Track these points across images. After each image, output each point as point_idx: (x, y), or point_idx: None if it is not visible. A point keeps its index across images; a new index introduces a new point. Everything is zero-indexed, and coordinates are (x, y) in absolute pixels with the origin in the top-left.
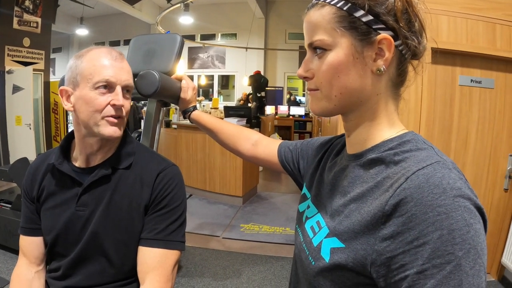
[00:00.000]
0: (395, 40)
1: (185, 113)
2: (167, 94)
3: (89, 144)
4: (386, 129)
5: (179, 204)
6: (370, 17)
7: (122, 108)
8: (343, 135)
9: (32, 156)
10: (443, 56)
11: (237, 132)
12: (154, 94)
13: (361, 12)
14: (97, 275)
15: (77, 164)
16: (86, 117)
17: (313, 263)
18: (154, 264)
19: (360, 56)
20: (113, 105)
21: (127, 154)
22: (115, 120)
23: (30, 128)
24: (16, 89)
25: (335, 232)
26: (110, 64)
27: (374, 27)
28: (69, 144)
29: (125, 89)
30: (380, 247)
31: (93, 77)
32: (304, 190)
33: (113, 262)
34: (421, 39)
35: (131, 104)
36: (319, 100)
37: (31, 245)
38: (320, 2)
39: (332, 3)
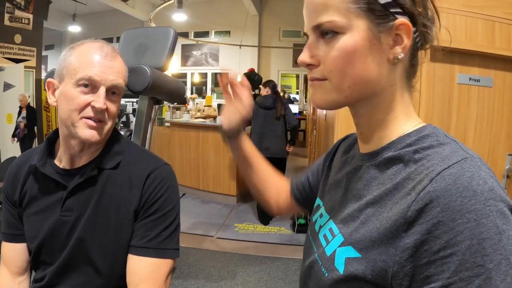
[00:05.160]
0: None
1: (233, 133)
2: (160, 91)
3: (71, 145)
4: (402, 123)
5: (172, 208)
6: (379, 7)
7: (104, 111)
8: (347, 136)
9: None
10: (441, 53)
11: (270, 177)
12: (145, 91)
13: None
14: (84, 285)
15: (61, 165)
16: (65, 115)
17: (326, 274)
18: (145, 275)
19: (377, 42)
20: (93, 107)
21: (114, 153)
22: (94, 124)
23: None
24: (7, 86)
25: (350, 240)
26: (97, 61)
27: (391, 10)
28: (54, 143)
29: (111, 90)
30: (402, 258)
31: (77, 72)
32: (318, 201)
33: (100, 271)
34: (433, 27)
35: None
36: (327, 91)
37: (13, 253)
38: None
39: None
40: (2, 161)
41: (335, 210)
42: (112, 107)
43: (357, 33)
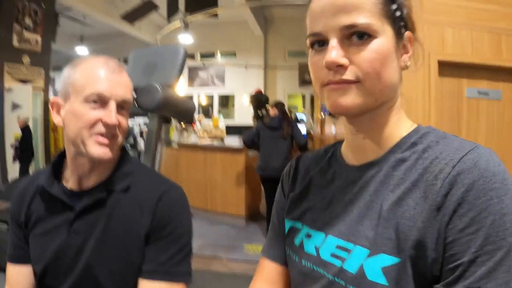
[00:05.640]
0: None
1: None
2: (170, 109)
3: (80, 164)
4: (403, 126)
5: (183, 230)
6: (400, 13)
7: (116, 127)
8: (300, 158)
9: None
10: (449, 68)
11: None
12: (157, 108)
13: (395, 6)
14: None
15: (69, 186)
16: (73, 133)
17: None
18: None
19: (398, 49)
20: (104, 123)
21: (124, 175)
22: (105, 141)
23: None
24: (15, 107)
25: (379, 248)
26: (105, 76)
27: (401, 24)
28: (61, 164)
29: (121, 105)
30: (437, 244)
31: (84, 89)
32: (292, 224)
33: None
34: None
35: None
36: (360, 94)
37: (19, 276)
38: None
39: None
40: (9, 181)
41: (334, 226)
42: (123, 122)
43: (387, 38)
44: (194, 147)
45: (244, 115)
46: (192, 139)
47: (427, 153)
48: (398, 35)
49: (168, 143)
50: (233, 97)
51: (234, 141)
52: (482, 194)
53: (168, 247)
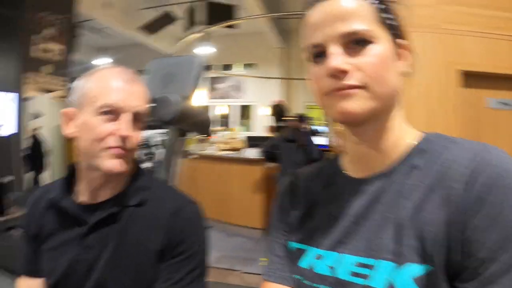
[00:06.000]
0: None
1: None
2: (188, 121)
3: (93, 177)
4: (408, 133)
5: (198, 248)
6: (394, 22)
7: (129, 140)
8: (294, 179)
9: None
10: (469, 78)
11: None
12: (173, 121)
13: (388, 15)
14: None
15: (81, 200)
16: (85, 146)
17: None
18: None
19: (394, 54)
20: (117, 136)
21: (138, 189)
22: (118, 153)
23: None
24: (35, 115)
25: (405, 259)
26: (119, 87)
27: (395, 32)
28: (73, 177)
29: (135, 117)
30: (462, 245)
31: (97, 100)
32: (295, 246)
33: None
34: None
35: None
36: (366, 99)
37: None
38: None
39: None
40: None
41: (348, 243)
42: (136, 135)
43: (385, 43)
44: (212, 158)
45: (263, 126)
46: (210, 150)
47: (439, 158)
48: (394, 42)
49: (186, 154)
50: (252, 108)
51: (252, 153)
52: (499, 191)
53: (182, 266)
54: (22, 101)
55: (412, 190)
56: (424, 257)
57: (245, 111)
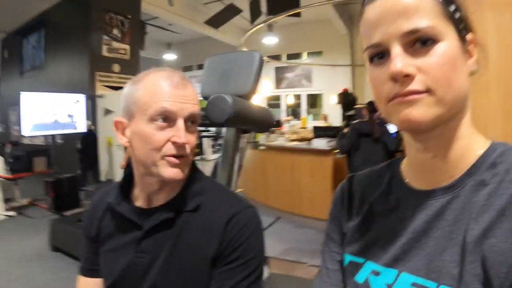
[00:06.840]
0: None
1: None
2: (244, 121)
3: (149, 183)
4: (477, 142)
5: (253, 256)
6: (459, 14)
7: (186, 146)
8: (350, 182)
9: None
10: None
11: None
12: (227, 122)
13: (454, 7)
14: None
15: (138, 204)
16: (142, 155)
17: None
18: None
19: (463, 53)
20: (174, 143)
21: (194, 194)
22: (177, 161)
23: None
24: (107, 112)
25: (466, 286)
26: (170, 92)
27: (462, 25)
28: (130, 181)
29: (190, 120)
30: None
31: (149, 107)
32: (350, 259)
33: None
34: None
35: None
36: (431, 105)
37: None
38: None
39: None
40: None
41: (407, 261)
42: (192, 139)
43: (452, 41)
44: (282, 149)
45: (332, 115)
46: (279, 141)
47: (511, 175)
48: (461, 38)
49: (255, 145)
50: (321, 97)
51: (321, 143)
52: None
53: (236, 273)
54: (94, 99)
55: (480, 210)
56: (486, 286)
57: (314, 100)
